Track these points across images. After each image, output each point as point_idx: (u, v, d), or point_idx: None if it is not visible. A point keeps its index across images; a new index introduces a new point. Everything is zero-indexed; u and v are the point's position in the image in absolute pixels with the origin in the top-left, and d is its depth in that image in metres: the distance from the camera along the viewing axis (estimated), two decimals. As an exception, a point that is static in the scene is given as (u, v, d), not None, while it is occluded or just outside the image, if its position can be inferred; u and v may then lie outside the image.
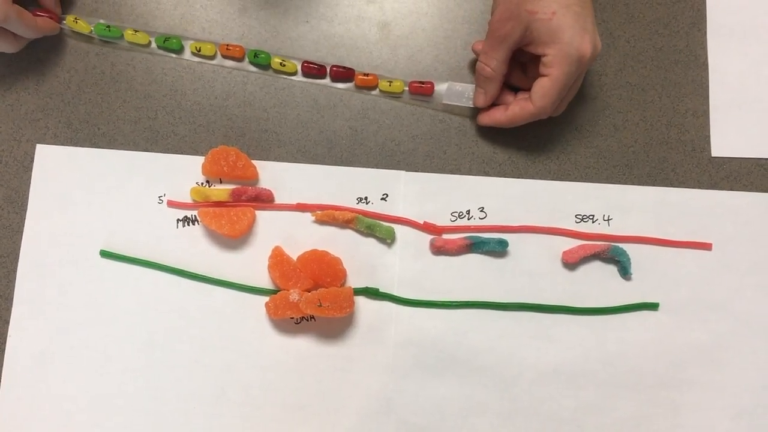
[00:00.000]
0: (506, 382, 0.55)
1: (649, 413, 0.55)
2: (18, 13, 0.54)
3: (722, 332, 0.56)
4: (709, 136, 0.59)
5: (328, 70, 0.59)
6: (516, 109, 0.55)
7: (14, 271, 0.56)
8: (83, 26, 0.58)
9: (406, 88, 0.59)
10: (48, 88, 0.59)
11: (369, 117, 0.59)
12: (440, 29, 0.60)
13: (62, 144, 0.58)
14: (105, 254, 0.56)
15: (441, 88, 0.59)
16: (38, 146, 0.58)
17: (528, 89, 0.55)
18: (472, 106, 0.58)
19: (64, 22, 0.59)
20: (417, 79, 0.59)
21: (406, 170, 0.58)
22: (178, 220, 0.57)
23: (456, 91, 0.58)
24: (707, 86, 0.60)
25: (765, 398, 0.56)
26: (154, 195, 0.57)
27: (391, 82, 0.59)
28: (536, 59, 0.53)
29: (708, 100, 0.60)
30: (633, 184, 0.58)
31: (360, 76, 0.59)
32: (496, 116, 0.57)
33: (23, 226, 0.56)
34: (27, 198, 0.57)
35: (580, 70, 0.52)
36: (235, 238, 0.56)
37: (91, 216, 0.57)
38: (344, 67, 0.59)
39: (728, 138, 0.59)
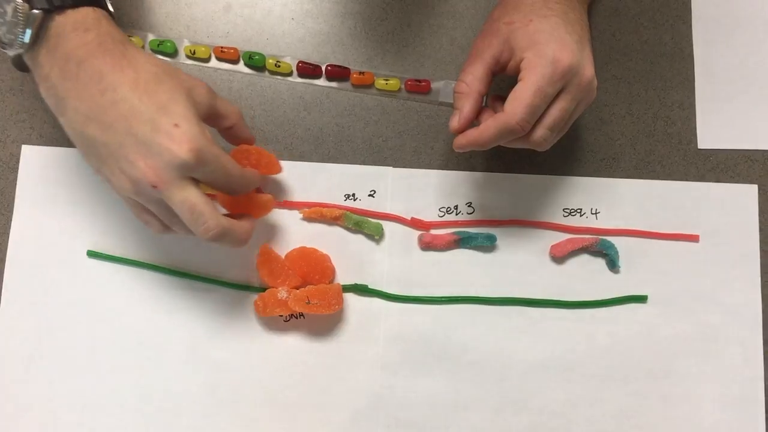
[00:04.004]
0: (496, 377, 0.56)
1: (638, 405, 0.56)
2: (216, 156, 0.45)
3: (711, 324, 0.57)
4: (695, 129, 0.59)
5: (323, 69, 0.59)
6: (488, 122, 0.48)
7: (1, 272, 0.56)
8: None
9: (402, 86, 0.59)
10: (33, 88, 0.58)
11: (356, 114, 0.59)
12: (425, 24, 0.60)
13: (48, 144, 0.58)
14: (92, 254, 0.56)
15: (437, 85, 0.59)
16: (24, 147, 0.57)
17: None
18: None
19: None
20: (410, 76, 0.59)
21: (394, 166, 0.58)
22: (165, 219, 0.57)
23: (452, 89, 0.58)
24: (693, 78, 0.60)
25: (754, 389, 0.56)
26: (140, 194, 0.57)
27: (387, 80, 0.59)
28: None
29: (694, 92, 0.60)
30: (620, 177, 0.58)
31: (355, 75, 0.59)
32: (469, 136, 0.49)
33: (10, 228, 0.56)
34: (13, 199, 0.57)
35: (555, 76, 0.46)
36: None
37: (78, 216, 0.56)
38: (340, 66, 0.59)
39: (714, 130, 0.59)
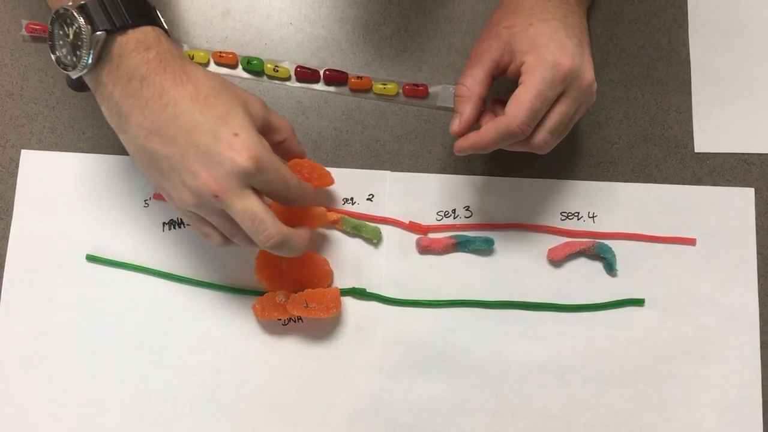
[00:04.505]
0: (494, 380, 0.56)
1: (636, 408, 0.56)
2: (274, 165, 0.45)
3: (708, 327, 0.57)
4: (692, 132, 0.60)
5: (321, 74, 0.59)
6: (489, 126, 0.48)
7: (0, 276, 0.56)
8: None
9: (400, 91, 0.59)
10: (32, 93, 0.59)
11: (354, 118, 0.59)
12: (423, 29, 0.61)
13: (47, 149, 0.58)
14: (91, 258, 0.56)
15: (435, 90, 0.59)
16: (23, 152, 0.58)
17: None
18: None
19: None
20: (408, 80, 0.59)
21: (392, 170, 0.58)
22: (164, 223, 0.57)
23: (450, 93, 0.58)
24: (690, 82, 0.60)
25: (751, 392, 0.56)
26: (139, 198, 0.57)
27: (385, 84, 0.59)
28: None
29: (690, 96, 0.60)
30: (617, 180, 0.59)
31: (353, 79, 0.59)
32: (470, 139, 0.49)
33: (9, 232, 0.56)
34: (12, 203, 0.57)
35: (556, 80, 0.47)
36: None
37: (77, 220, 0.57)
38: (338, 71, 0.59)
39: (711, 134, 0.60)
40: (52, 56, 0.46)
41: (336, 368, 0.56)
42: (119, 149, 0.58)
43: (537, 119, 0.48)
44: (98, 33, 0.44)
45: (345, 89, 0.59)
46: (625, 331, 0.57)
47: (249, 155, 0.43)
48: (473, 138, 0.49)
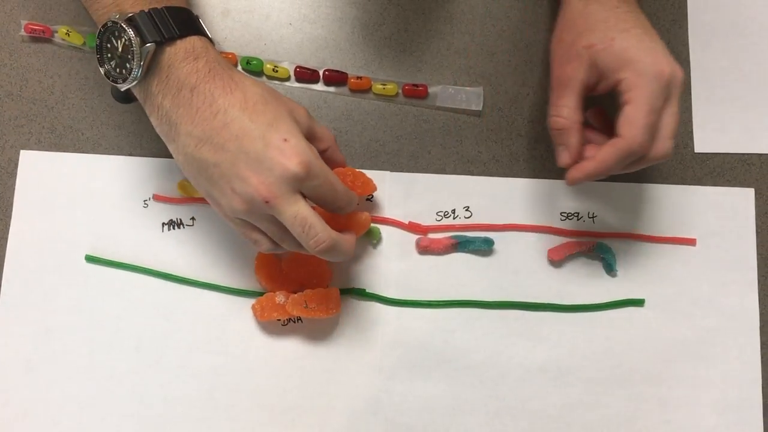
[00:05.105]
0: (493, 381, 0.56)
1: (636, 409, 0.56)
2: (323, 170, 0.45)
3: (708, 327, 0.57)
4: (692, 133, 0.60)
5: (321, 74, 0.59)
6: (606, 150, 0.48)
7: (-1, 277, 0.56)
8: (76, 38, 0.58)
9: (400, 91, 0.59)
10: (31, 93, 0.59)
11: (353, 118, 0.59)
12: (423, 29, 0.61)
13: (46, 150, 0.58)
14: (90, 259, 0.56)
15: (435, 90, 0.59)
16: (22, 152, 0.58)
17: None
18: (464, 108, 0.58)
19: (56, 34, 0.59)
20: (407, 80, 0.59)
21: (391, 170, 0.58)
22: (163, 223, 0.57)
23: (449, 93, 0.59)
24: (689, 83, 0.60)
25: (751, 392, 0.56)
26: (139, 199, 0.57)
27: (384, 84, 0.59)
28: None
29: (690, 96, 0.60)
30: (617, 181, 0.58)
31: (353, 80, 0.59)
32: (587, 168, 0.49)
33: (8, 233, 0.56)
34: (11, 204, 0.57)
35: (662, 89, 0.47)
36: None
37: (77, 221, 0.57)
38: (337, 71, 0.59)
39: (711, 134, 0.59)
40: (101, 69, 0.47)
41: (335, 369, 0.55)
42: (118, 150, 0.58)
43: (653, 133, 0.48)
44: (148, 45, 0.44)
45: (344, 89, 0.59)
46: (624, 331, 0.57)
47: (299, 160, 0.43)
48: (589, 167, 0.49)
